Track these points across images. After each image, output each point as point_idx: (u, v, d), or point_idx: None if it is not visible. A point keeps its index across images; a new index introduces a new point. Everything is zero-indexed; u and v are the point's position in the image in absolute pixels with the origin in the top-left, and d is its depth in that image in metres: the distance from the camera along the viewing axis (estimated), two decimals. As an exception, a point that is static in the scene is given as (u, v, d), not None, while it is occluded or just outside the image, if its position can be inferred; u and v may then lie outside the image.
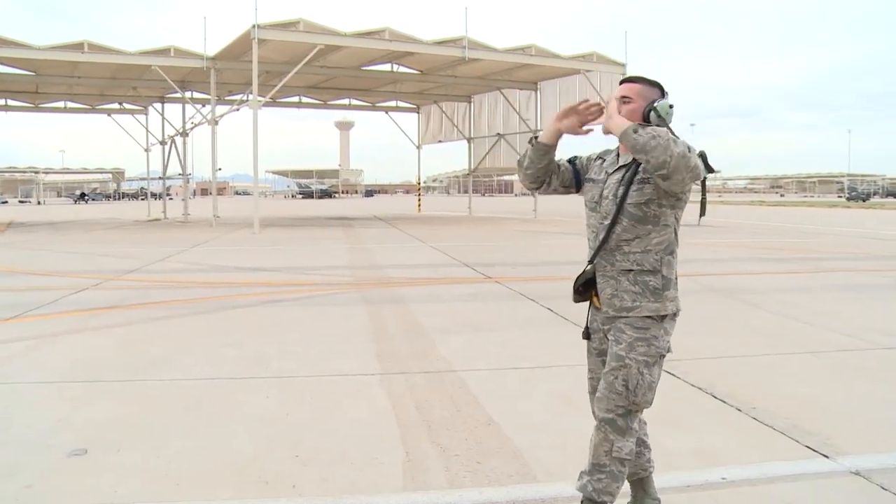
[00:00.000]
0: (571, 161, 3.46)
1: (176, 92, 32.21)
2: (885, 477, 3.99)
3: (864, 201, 78.82)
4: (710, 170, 3.11)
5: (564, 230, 26.74)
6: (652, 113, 3.15)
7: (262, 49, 25.03)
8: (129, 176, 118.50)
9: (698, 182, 3.19)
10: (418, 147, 46.88)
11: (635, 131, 2.98)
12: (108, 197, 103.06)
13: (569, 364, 6.46)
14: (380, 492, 3.77)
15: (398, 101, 43.87)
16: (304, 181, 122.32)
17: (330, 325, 8.23)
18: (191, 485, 3.85)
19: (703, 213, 3.72)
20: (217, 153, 29.37)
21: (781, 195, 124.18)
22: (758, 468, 4.12)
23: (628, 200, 3.17)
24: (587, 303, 3.47)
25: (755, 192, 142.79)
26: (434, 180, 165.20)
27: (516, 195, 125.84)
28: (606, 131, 3.17)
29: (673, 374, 6.11)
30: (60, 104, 41.22)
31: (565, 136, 3.35)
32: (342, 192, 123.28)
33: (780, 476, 3.99)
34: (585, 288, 3.38)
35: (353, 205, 66.93)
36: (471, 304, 9.69)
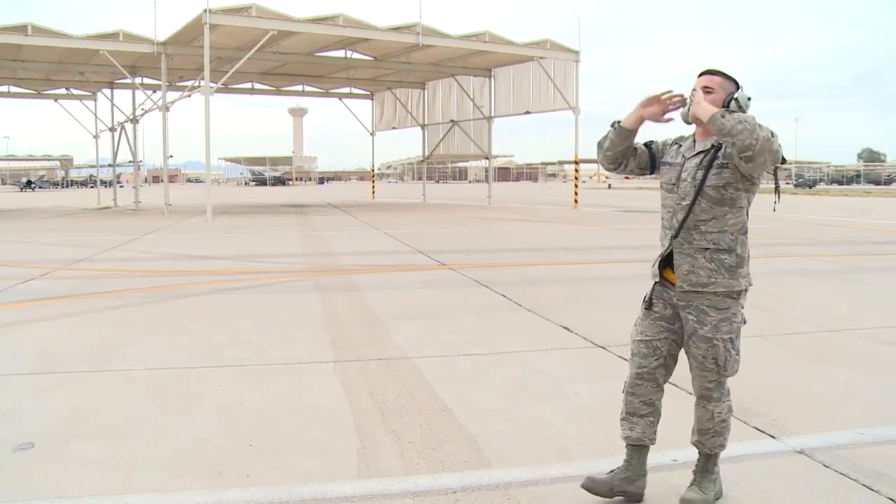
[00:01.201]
0: (647, 145, 3.66)
1: (126, 77, 31.69)
2: (826, 455, 4.08)
3: (810, 188, 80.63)
4: (783, 160, 3.33)
5: (519, 217, 26.85)
6: (733, 102, 3.33)
7: (214, 34, 24.69)
8: (77, 163, 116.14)
9: (773, 173, 3.54)
10: (372, 134, 46.68)
11: (723, 116, 3.18)
12: (55, 185, 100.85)
13: (522, 350, 6.50)
14: (334, 480, 3.75)
15: (352, 88, 43.60)
16: (257, 168, 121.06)
17: (284, 312, 8.17)
18: (143, 477, 3.80)
19: (777, 199, 3.97)
20: (168, 140, 29.00)
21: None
22: (707, 450, 4.17)
23: (707, 183, 3.38)
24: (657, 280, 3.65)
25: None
26: (388, 167, 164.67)
27: (470, 182, 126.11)
28: (692, 120, 3.40)
29: (624, 359, 6.14)
30: (4, 89, 40.14)
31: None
32: (296, 180, 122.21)
33: (728, 457, 4.03)
34: (664, 264, 3.57)
35: (307, 192, 66.47)
36: (425, 291, 9.69)
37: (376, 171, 57.38)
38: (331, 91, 43.65)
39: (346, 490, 3.62)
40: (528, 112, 35.03)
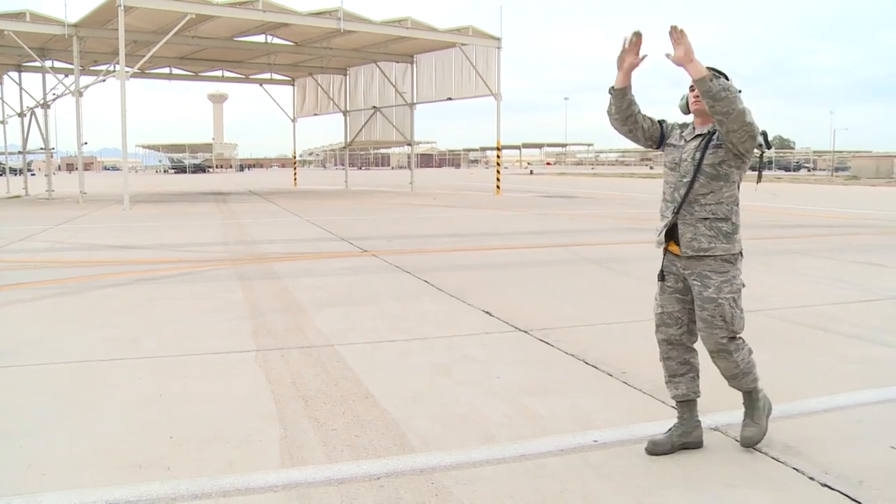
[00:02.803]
0: (661, 122, 4.11)
1: (35, 60, 30.56)
2: (738, 430, 4.16)
3: None
4: (768, 146, 3.87)
5: (441, 203, 26.90)
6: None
7: (129, 17, 23.96)
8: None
9: (757, 157, 3.99)
10: (293, 120, 46.11)
11: (711, 80, 3.60)
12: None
13: (445, 335, 6.52)
14: (257, 470, 3.71)
15: (273, 74, 42.93)
16: (176, 155, 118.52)
17: (204, 302, 8.03)
18: (58, 474, 3.69)
19: (759, 180, 4.35)
20: (83, 126, 28.07)
21: (651, 168, 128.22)
22: (627, 429, 4.27)
23: (705, 162, 3.85)
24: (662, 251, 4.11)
25: (626, 165, 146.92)
26: (310, 154, 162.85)
27: (393, 168, 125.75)
28: (677, 62, 3.70)
29: (546, 342, 6.26)
30: None
31: (658, 107, 4.10)
32: (216, 167, 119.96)
33: (647, 436, 4.14)
34: (668, 236, 3.99)
35: (228, 179, 65.36)
36: (347, 278, 9.65)
37: (298, 158, 56.78)
38: (251, 77, 42.92)
39: (269, 480, 3.59)
40: (450, 98, 35.04)
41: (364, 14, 28.96)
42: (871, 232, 16.06)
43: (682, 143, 4.00)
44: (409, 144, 40.74)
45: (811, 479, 3.63)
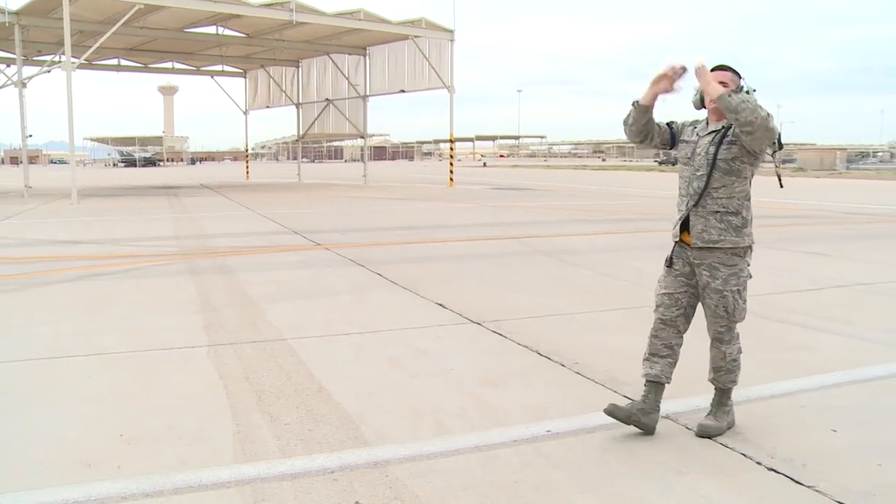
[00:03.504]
0: (669, 124, 4.28)
1: (-28, 50, 29.81)
2: (690, 418, 4.31)
3: (673, 165, 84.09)
4: (780, 146, 4.03)
5: (394, 195, 26.86)
6: (742, 91, 3.92)
7: (75, 6, 23.48)
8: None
9: (770, 154, 4.13)
10: (246, 113, 45.68)
11: (730, 95, 3.81)
12: None
13: (399, 328, 6.53)
14: (209, 466, 3.67)
15: (224, 66, 42.44)
16: (126, 148, 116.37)
17: (155, 297, 7.93)
18: (3, 476, 3.61)
19: (780, 181, 4.53)
20: (27, 118, 27.49)
21: (603, 160, 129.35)
22: (580, 419, 4.32)
23: (718, 157, 4.01)
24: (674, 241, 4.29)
25: (579, 157, 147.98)
26: (263, 147, 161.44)
27: (346, 161, 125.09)
28: (704, 103, 4.05)
29: (499, 334, 6.30)
30: None
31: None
32: (167, 160, 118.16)
33: (600, 425, 4.19)
34: (682, 228, 4.16)
35: (179, 173, 64.51)
36: (300, 272, 9.60)
37: (251, 151, 56.29)
38: (202, 69, 42.41)
39: (222, 476, 3.56)
40: (403, 91, 34.96)
41: (316, 6, 28.73)
42: (817, 222, 16.41)
43: (696, 137, 4.16)
44: (363, 137, 40.66)
45: (758, 463, 3.71)
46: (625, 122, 4.23)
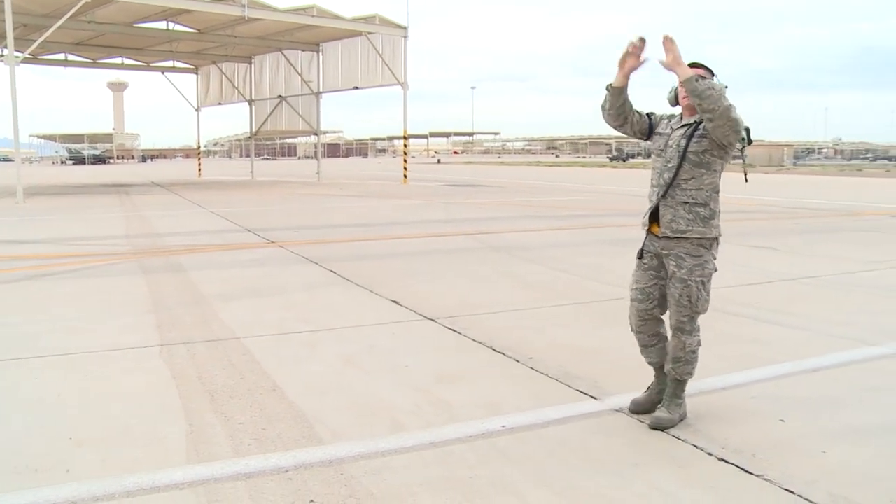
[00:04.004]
0: (649, 115, 4.37)
1: None
2: (644, 414, 4.34)
3: (624, 161, 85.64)
4: (749, 141, 4.13)
5: (348, 192, 26.75)
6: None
7: (18, -1, 22.98)
8: None
9: (739, 149, 4.17)
10: (197, 109, 45.11)
11: (697, 80, 3.89)
12: None
13: (353, 325, 6.51)
14: (162, 468, 3.62)
15: (175, 62, 41.83)
16: (74, 146, 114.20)
17: (105, 297, 7.80)
18: (-54, 477, 3.53)
19: (746, 177, 4.67)
20: (-33, 115, 26.79)
21: (557, 156, 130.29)
22: (534, 414, 4.34)
23: (689, 149, 4.11)
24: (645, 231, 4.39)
25: (532, 153, 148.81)
26: (215, 144, 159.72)
27: (300, 158, 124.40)
28: (667, 66, 4.00)
29: (453, 330, 6.31)
30: None
31: (650, 99, 4.34)
32: (117, 158, 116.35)
33: (554, 419, 4.23)
34: (652, 217, 4.25)
35: (130, 170, 63.50)
36: (253, 270, 9.52)
37: (203, 149, 55.56)
38: (152, 65, 41.77)
39: (176, 477, 3.52)
40: (356, 87, 34.83)
41: (269, 1, 28.49)
42: (767, 218, 16.72)
43: (669, 130, 4.26)
44: (316, 134, 40.40)
45: (710, 454, 3.78)
46: (602, 107, 4.31)
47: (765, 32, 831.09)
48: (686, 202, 4.12)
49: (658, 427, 4.11)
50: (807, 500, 3.29)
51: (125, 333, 6.26)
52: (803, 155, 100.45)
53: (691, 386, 4.48)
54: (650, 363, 4.40)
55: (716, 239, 4.18)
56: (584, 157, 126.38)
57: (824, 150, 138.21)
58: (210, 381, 4.96)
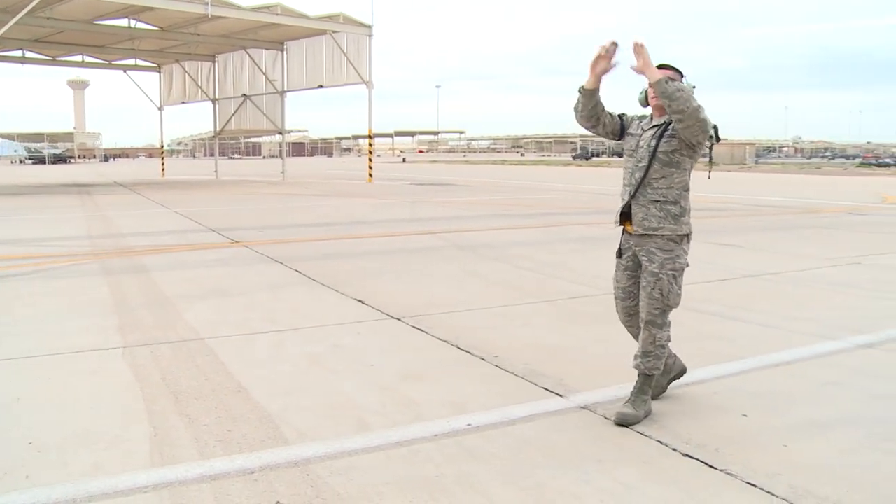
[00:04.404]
0: (621, 116, 4.49)
1: None
2: (607, 408, 4.40)
3: (587, 160, 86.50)
4: (717, 139, 4.31)
5: (313, 192, 26.63)
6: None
7: (-28, -4, 22.56)
8: None
9: (708, 147, 4.35)
10: (160, 108, 44.63)
11: (666, 82, 4.01)
12: None
13: (318, 325, 6.48)
14: (126, 471, 3.58)
15: (137, 60, 41.34)
16: (34, 145, 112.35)
17: (67, 298, 7.69)
18: None
19: (710, 173, 5.00)
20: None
21: (522, 154, 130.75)
22: (500, 412, 4.35)
23: (659, 149, 4.22)
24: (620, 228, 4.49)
25: (498, 152, 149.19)
26: (179, 143, 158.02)
27: (264, 157, 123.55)
28: (638, 70, 4.10)
29: (419, 329, 6.31)
30: None
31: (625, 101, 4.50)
32: (78, 157, 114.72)
33: (520, 417, 4.25)
34: (624, 216, 4.36)
35: (92, 170, 62.63)
36: (218, 270, 9.44)
37: (167, 148, 54.89)
38: (114, 63, 41.28)
39: (139, 481, 3.48)
40: (321, 86, 34.69)
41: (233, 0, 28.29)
42: (730, 215, 16.90)
43: (640, 131, 4.38)
44: (281, 133, 40.16)
45: (674, 450, 3.81)
46: (575, 109, 4.41)
47: (727, 32, 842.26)
48: (657, 200, 4.24)
49: (623, 423, 4.13)
50: (769, 492, 3.34)
51: (87, 335, 6.18)
52: (765, 153, 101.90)
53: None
54: None
55: (687, 235, 4.30)
56: (549, 155, 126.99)
57: (785, 149, 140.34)
58: (174, 382, 4.92)
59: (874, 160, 79.08)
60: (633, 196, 4.30)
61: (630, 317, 4.52)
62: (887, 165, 69.04)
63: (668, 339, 4.36)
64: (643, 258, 4.32)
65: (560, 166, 62.91)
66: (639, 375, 4.32)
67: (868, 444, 3.92)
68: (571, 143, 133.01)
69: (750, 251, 10.98)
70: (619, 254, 4.50)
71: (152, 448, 3.86)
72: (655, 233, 4.25)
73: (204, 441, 3.94)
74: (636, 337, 4.50)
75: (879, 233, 13.80)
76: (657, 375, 4.38)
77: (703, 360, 5.37)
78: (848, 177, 42.26)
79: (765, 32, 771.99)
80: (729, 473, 3.53)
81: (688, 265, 4.34)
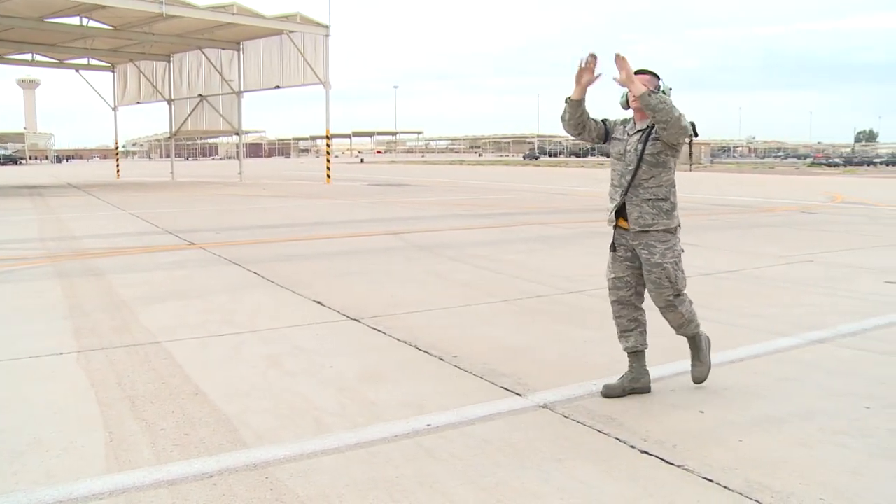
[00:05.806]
0: (604, 121, 4.76)
1: None
2: (566, 407, 4.43)
3: (536, 159, 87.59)
4: (695, 133, 4.56)
5: (271, 193, 26.46)
6: (659, 92, 4.44)
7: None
8: None
9: (688, 141, 4.67)
10: (115, 109, 44.04)
11: (650, 95, 4.29)
12: None
13: (277, 327, 6.44)
14: (80, 478, 3.52)
15: (90, 59, 40.78)
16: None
17: (19, 302, 7.55)
18: None
19: (691, 165, 5.29)
20: None
21: (480, 154, 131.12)
22: (459, 412, 4.36)
23: (646, 152, 4.52)
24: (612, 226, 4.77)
25: (456, 152, 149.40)
26: (134, 144, 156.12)
27: (221, 158, 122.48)
28: (621, 83, 4.40)
29: (378, 330, 6.30)
30: None
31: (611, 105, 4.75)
32: (30, 158, 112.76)
33: (479, 417, 4.26)
34: (618, 214, 4.64)
35: (44, 171, 61.57)
36: (174, 272, 9.33)
37: (121, 149, 54.15)
38: (66, 62, 40.66)
39: (95, 487, 3.42)
40: (278, 87, 34.50)
41: (188, -1, 27.99)
42: (688, 214, 17.01)
43: (626, 136, 4.66)
44: (238, 134, 39.83)
45: (632, 447, 3.85)
46: (562, 119, 4.68)
47: (681, 33, 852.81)
48: (649, 199, 4.54)
49: (701, 381, 4.76)
50: (725, 486, 3.39)
51: (40, 340, 6.06)
52: (720, 153, 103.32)
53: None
54: (627, 348, 4.75)
55: (678, 226, 4.64)
56: (507, 155, 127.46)
57: (739, 149, 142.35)
58: (130, 387, 4.85)
59: (824, 160, 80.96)
60: (625, 196, 4.57)
61: (623, 307, 4.75)
62: (836, 165, 70.77)
63: (691, 303, 4.76)
64: (642, 252, 4.59)
65: (518, 166, 63.20)
66: (688, 341, 4.82)
67: (822, 438, 3.99)
68: (529, 143, 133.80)
69: (706, 250, 11.14)
70: (614, 247, 4.75)
71: (108, 454, 3.81)
72: (651, 228, 4.54)
73: (161, 446, 3.89)
74: (625, 330, 4.76)
75: (830, 231, 14.08)
76: (700, 330, 4.81)
77: (661, 358, 5.40)
78: (800, 176, 43.05)
79: (715, 34, 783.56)
80: (686, 469, 3.57)
81: (683, 251, 4.67)
